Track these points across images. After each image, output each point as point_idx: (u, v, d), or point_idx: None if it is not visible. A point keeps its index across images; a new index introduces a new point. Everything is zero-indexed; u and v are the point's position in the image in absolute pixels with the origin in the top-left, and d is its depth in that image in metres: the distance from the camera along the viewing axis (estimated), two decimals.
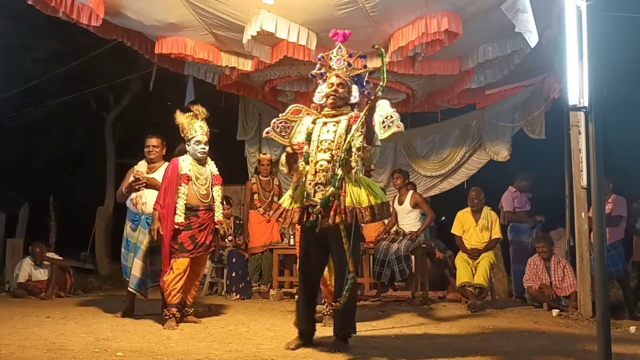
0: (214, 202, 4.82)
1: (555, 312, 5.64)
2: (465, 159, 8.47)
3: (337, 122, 3.61)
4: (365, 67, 3.82)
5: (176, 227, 4.58)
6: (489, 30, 5.94)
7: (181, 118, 4.79)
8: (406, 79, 6.82)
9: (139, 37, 6.46)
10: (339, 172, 3.44)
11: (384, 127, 3.50)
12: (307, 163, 3.59)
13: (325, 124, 3.64)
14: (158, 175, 4.95)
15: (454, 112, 8.77)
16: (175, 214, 4.59)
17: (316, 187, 3.51)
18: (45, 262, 7.21)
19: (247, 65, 6.51)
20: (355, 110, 3.70)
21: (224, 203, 7.44)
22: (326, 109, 3.70)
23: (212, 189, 4.82)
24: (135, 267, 4.93)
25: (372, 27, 5.62)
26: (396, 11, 5.42)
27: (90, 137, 11.08)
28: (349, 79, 3.71)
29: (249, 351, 3.45)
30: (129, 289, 4.98)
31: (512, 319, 5.35)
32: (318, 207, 3.46)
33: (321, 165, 3.51)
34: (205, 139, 4.77)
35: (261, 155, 7.45)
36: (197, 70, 7.15)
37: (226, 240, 7.26)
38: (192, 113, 4.80)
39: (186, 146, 4.80)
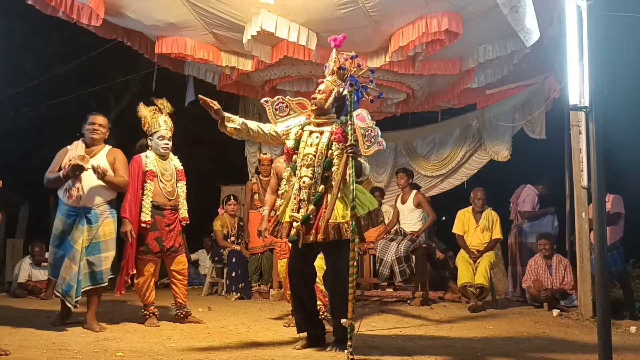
0: (179, 200, 4.67)
1: (555, 312, 5.63)
2: (466, 159, 8.47)
3: (321, 133, 3.60)
4: (359, 66, 3.64)
5: (143, 225, 4.42)
6: (489, 30, 5.94)
7: (144, 111, 4.62)
8: (406, 79, 6.81)
9: (139, 37, 6.46)
10: (320, 188, 3.49)
11: (366, 141, 3.46)
12: (294, 174, 3.63)
13: (310, 133, 3.63)
14: (96, 162, 4.18)
15: (454, 112, 8.76)
16: (141, 212, 4.43)
17: (300, 204, 3.55)
18: (44, 264, 7.20)
19: (247, 65, 6.51)
20: (340, 119, 3.63)
21: (231, 199, 7.48)
22: (312, 116, 3.68)
23: (177, 185, 4.67)
24: (65, 269, 4.15)
25: (372, 27, 5.62)
26: (396, 11, 5.42)
27: None
28: (336, 83, 3.61)
29: (249, 351, 3.45)
30: (55, 292, 4.35)
31: (512, 319, 5.34)
32: (298, 223, 3.50)
33: (304, 182, 3.54)
34: (170, 134, 4.63)
35: (261, 155, 7.43)
36: (197, 70, 7.15)
37: (229, 240, 7.27)
38: (155, 107, 4.64)
39: (148, 141, 4.65)
